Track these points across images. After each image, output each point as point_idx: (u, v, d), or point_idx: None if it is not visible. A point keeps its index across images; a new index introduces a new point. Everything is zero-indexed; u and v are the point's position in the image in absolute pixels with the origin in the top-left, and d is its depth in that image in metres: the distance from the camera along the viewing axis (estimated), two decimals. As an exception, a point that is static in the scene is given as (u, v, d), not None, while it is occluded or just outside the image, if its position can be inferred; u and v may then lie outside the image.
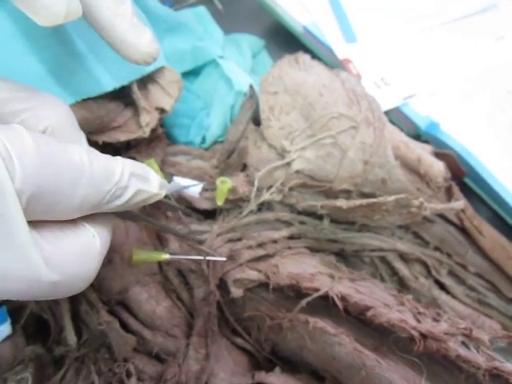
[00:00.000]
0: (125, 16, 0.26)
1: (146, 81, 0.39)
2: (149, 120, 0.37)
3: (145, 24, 0.28)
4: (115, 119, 0.37)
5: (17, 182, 0.18)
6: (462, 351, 0.31)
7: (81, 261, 0.22)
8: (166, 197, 0.38)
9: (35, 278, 0.19)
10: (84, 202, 0.21)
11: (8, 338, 0.38)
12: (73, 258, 0.21)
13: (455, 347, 0.31)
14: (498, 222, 0.50)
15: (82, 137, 0.27)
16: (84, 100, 0.33)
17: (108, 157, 0.23)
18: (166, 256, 0.36)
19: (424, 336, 0.32)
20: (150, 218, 0.32)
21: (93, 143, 0.35)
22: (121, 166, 0.23)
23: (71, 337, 0.37)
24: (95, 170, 0.21)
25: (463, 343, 0.32)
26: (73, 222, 0.22)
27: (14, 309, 0.39)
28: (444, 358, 0.32)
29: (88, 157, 0.21)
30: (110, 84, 0.34)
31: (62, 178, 0.20)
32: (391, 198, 0.37)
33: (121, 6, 0.26)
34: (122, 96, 0.38)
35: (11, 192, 0.18)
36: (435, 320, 0.34)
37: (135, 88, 0.37)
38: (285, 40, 0.62)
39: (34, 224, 0.20)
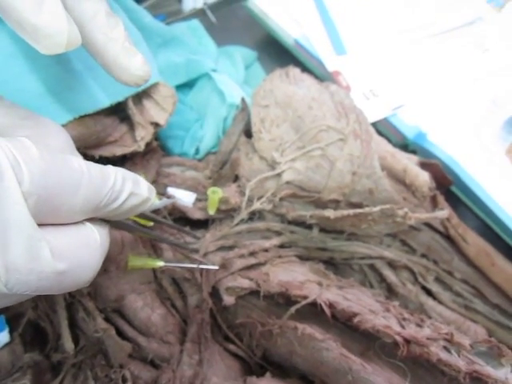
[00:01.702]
0: (117, 40, 0.28)
1: (141, 96, 0.40)
2: (144, 134, 0.39)
3: (138, 45, 0.29)
4: (111, 134, 0.38)
5: (25, 185, 0.19)
6: (443, 355, 0.32)
7: (83, 250, 0.23)
8: (157, 212, 0.40)
9: (43, 270, 0.21)
10: (85, 204, 0.23)
11: (6, 345, 0.39)
12: (76, 248, 0.23)
13: (437, 351, 0.32)
14: (483, 229, 0.52)
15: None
16: (81, 116, 0.34)
17: (101, 165, 0.24)
18: (160, 263, 0.38)
19: (407, 341, 0.33)
20: (144, 229, 0.33)
21: (90, 157, 0.37)
22: (114, 171, 0.24)
23: (68, 344, 0.38)
24: (92, 174, 0.23)
25: (445, 348, 0.33)
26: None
27: (12, 317, 0.40)
28: (427, 361, 0.33)
29: (85, 163, 0.23)
30: (106, 101, 0.35)
31: (64, 181, 0.21)
32: (376, 209, 0.39)
33: (114, 31, 0.28)
34: (118, 111, 0.39)
35: (18, 194, 0.19)
36: (419, 325, 0.35)
37: (131, 104, 0.38)
38: (277, 52, 0.64)
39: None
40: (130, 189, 0.25)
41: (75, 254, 0.23)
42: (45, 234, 0.21)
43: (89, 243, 0.24)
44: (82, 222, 0.24)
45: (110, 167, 0.25)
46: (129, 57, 0.29)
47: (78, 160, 0.23)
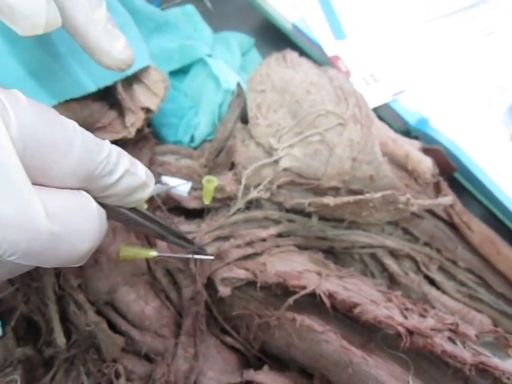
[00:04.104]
0: (99, 22, 0.27)
1: (131, 81, 0.39)
2: (134, 120, 0.37)
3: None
4: (99, 120, 0.37)
5: (12, 130, 0.18)
6: (448, 347, 0.31)
7: (80, 216, 0.22)
8: (151, 201, 0.37)
9: (35, 227, 0.19)
10: (78, 168, 0.21)
11: (-1, 340, 0.38)
12: (72, 211, 0.21)
13: (441, 343, 0.31)
14: (488, 217, 0.50)
15: None
16: (67, 101, 0.33)
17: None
18: (153, 253, 0.36)
19: (410, 332, 0.32)
20: (144, 221, 0.31)
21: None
22: (109, 143, 0.23)
23: (60, 338, 0.37)
24: (87, 137, 0.22)
25: (450, 339, 0.32)
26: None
27: (5, 311, 0.39)
28: (431, 353, 0.32)
29: (79, 127, 0.22)
30: (92, 85, 0.34)
31: (56, 135, 0.20)
32: (378, 195, 0.37)
33: (96, 12, 0.26)
34: (107, 96, 0.38)
35: (6, 138, 0.18)
36: (422, 316, 0.34)
37: (120, 88, 0.37)
38: (274, 37, 0.62)
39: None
40: (127, 165, 0.24)
41: (71, 217, 0.21)
42: (39, 191, 0.20)
43: (86, 209, 0.22)
44: (78, 190, 0.22)
45: (105, 140, 0.23)
46: (111, 40, 0.28)
47: (72, 122, 0.22)
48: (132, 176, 0.24)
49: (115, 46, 0.28)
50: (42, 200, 0.20)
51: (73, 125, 0.21)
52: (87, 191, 0.23)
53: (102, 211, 0.24)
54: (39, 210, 0.19)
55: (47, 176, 0.20)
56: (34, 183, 0.20)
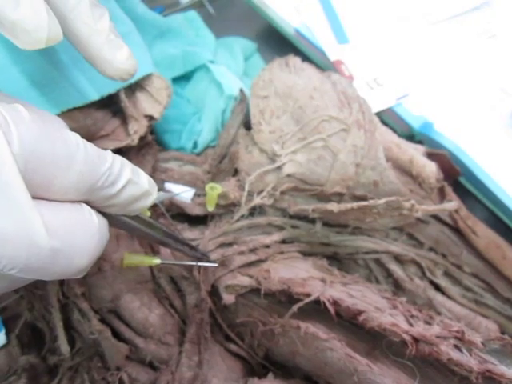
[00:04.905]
0: (101, 32, 0.27)
1: (134, 88, 0.39)
2: (137, 128, 0.37)
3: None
4: (103, 128, 0.37)
5: (14, 146, 0.18)
6: (454, 354, 0.31)
7: (80, 231, 0.22)
8: (154, 208, 0.37)
9: (35, 243, 0.19)
10: (80, 181, 0.21)
11: (3, 347, 0.38)
12: (72, 226, 0.21)
13: (447, 350, 0.31)
14: (493, 221, 0.50)
15: None
16: (69, 110, 0.33)
17: (98, 148, 0.23)
18: (157, 261, 0.36)
19: (416, 340, 0.32)
20: (147, 229, 0.31)
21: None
22: (111, 154, 0.23)
23: (64, 346, 0.37)
24: (89, 151, 0.22)
25: (456, 346, 0.32)
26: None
27: (9, 318, 0.39)
28: (437, 361, 0.32)
29: (82, 140, 0.22)
30: (95, 93, 0.34)
31: (58, 150, 0.20)
32: (382, 201, 0.37)
33: (98, 22, 0.26)
34: (110, 104, 0.38)
35: (8, 154, 0.18)
36: (428, 323, 0.34)
37: (123, 96, 0.37)
38: (277, 42, 0.62)
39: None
40: (129, 175, 0.23)
41: (71, 232, 0.21)
42: (39, 206, 0.20)
43: (86, 224, 0.22)
44: (79, 203, 0.22)
45: (107, 151, 0.23)
46: (114, 50, 0.27)
47: (75, 134, 0.22)
48: (134, 185, 0.24)
49: (118, 56, 0.28)
50: (43, 215, 0.20)
51: (75, 138, 0.21)
52: (89, 202, 0.23)
53: (103, 223, 0.24)
54: (39, 226, 0.19)
55: (48, 190, 0.20)
56: (34, 197, 0.20)
